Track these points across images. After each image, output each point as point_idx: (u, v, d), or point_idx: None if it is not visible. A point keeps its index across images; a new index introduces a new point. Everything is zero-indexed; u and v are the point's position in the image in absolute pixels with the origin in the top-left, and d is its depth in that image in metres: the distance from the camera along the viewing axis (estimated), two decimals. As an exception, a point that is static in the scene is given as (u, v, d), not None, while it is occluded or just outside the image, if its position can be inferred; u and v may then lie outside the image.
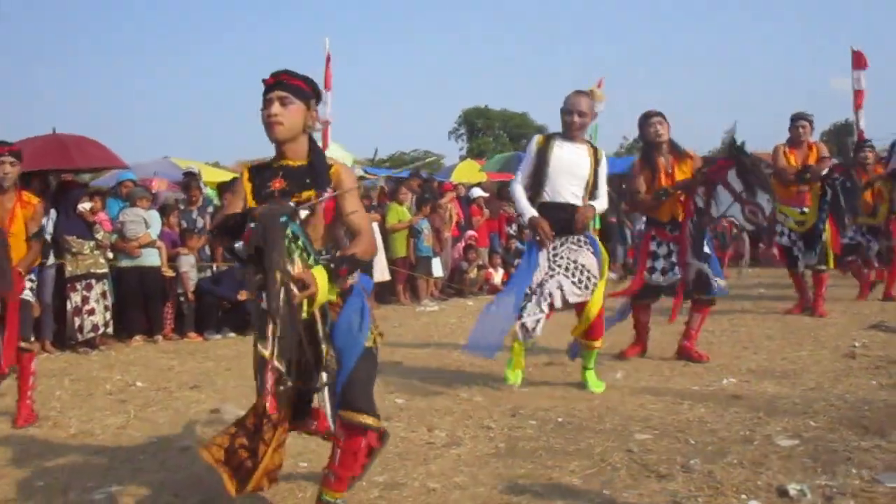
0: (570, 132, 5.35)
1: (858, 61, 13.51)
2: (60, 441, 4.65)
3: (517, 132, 49.88)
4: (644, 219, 6.86)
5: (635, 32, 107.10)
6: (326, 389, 3.06)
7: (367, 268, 3.43)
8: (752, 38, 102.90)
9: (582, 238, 5.34)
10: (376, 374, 3.24)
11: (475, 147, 50.83)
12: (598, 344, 5.44)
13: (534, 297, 5.19)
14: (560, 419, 4.62)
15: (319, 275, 2.83)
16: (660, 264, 6.25)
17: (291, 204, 2.95)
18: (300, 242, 2.88)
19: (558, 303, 5.19)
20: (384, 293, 11.47)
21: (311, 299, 2.83)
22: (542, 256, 5.28)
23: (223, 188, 9.97)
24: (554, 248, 5.28)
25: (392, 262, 11.35)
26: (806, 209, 8.23)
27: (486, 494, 3.46)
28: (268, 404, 2.88)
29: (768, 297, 9.96)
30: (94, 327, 8.04)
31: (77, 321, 7.99)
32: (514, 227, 13.74)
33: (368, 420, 3.05)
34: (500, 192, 13.38)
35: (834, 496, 3.24)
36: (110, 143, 10.31)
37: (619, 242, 13.84)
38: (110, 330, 8.35)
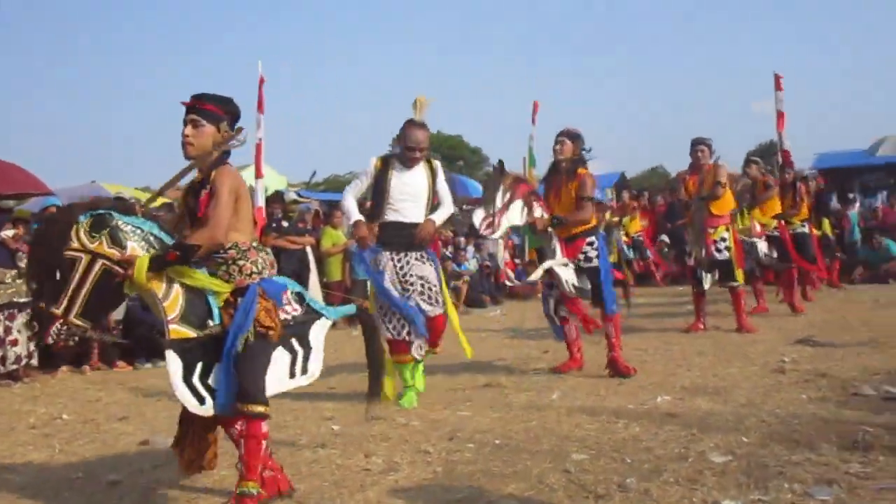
0: (411, 164, 5.61)
1: (778, 84, 13.96)
2: (-20, 479, 4.46)
3: (452, 154, 50.04)
4: None
5: (567, 55, 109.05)
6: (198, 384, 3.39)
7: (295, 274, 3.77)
8: (681, 62, 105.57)
9: (424, 254, 5.63)
10: (267, 364, 3.52)
11: (410, 169, 50.87)
12: (437, 351, 5.89)
13: (404, 321, 5.52)
14: (497, 441, 4.60)
15: (140, 261, 3.27)
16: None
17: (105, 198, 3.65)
18: (146, 234, 3.40)
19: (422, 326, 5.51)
20: (319, 317, 11.34)
21: (130, 280, 3.28)
22: (387, 278, 5.52)
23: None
24: (401, 267, 5.53)
25: (327, 286, 11.24)
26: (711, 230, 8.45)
27: (424, 520, 3.42)
28: (55, 343, 3.35)
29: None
30: (18, 358, 7.76)
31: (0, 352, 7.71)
32: (451, 248, 13.77)
33: (258, 408, 3.40)
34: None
35: (767, 511, 3.28)
36: (35, 168, 9.99)
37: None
38: (35, 361, 8.08)
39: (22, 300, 7.89)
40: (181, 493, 3.96)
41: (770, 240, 9.52)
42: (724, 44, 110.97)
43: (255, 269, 3.54)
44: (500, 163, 6.34)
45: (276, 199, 11.83)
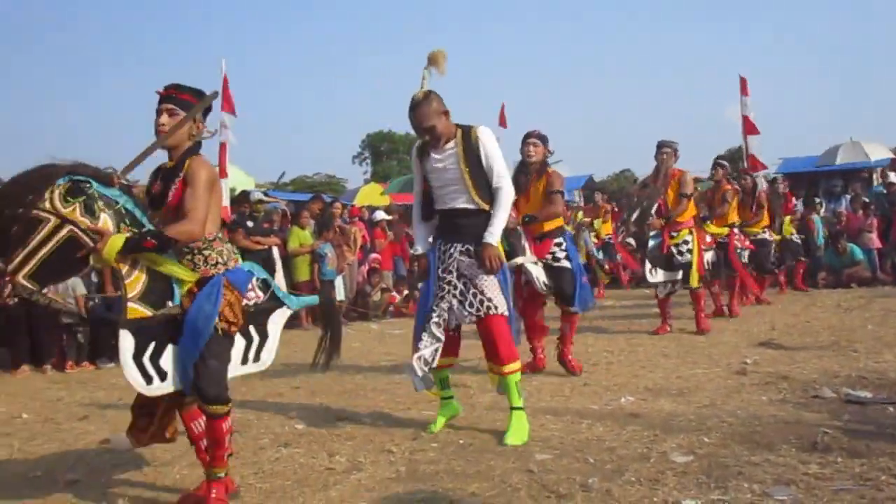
0: (434, 145, 4.70)
1: (744, 88, 14.09)
2: (-65, 478, 4.39)
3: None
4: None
5: (535, 59, 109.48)
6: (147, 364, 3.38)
7: (267, 268, 3.76)
8: (652, 65, 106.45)
9: (470, 246, 4.67)
10: (228, 361, 3.58)
11: (379, 171, 50.92)
12: (506, 369, 4.70)
13: (429, 324, 4.66)
14: (461, 441, 4.60)
15: (114, 239, 3.24)
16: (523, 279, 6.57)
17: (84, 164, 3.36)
18: (119, 206, 3.35)
19: (451, 324, 4.71)
20: (288, 319, 11.29)
21: (98, 254, 3.24)
22: (433, 279, 4.76)
23: None
24: (442, 262, 4.72)
25: (294, 286, 11.19)
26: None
27: (386, 520, 3.41)
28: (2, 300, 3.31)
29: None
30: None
31: (-44, 351, 7.59)
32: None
33: (221, 409, 3.45)
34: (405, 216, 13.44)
35: (727, 510, 3.32)
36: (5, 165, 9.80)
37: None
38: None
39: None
40: (142, 491, 3.94)
41: (718, 246, 9.62)
42: (697, 48, 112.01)
43: (220, 260, 3.56)
44: None
45: (242, 198, 11.76)
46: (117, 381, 7.30)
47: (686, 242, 8.53)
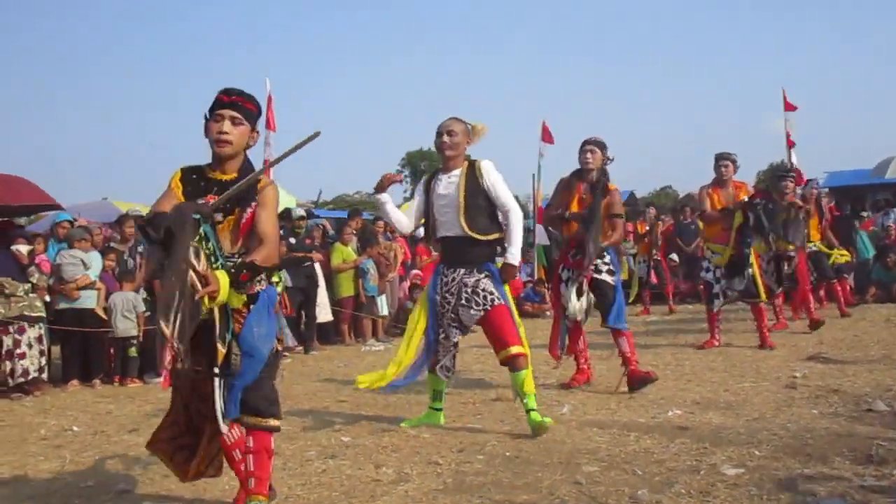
0: (441, 154, 5.27)
1: (786, 103, 14.00)
2: (-9, 488, 4.47)
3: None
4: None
5: (577, 73, 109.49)
6: (218, 395, 3.23)
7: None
8: (693, 82, 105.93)
9: (475, 269, 5.17)
10: (277, 376, 3.51)
11: (419, 189, 50.97)
12: (513, 350, 5.03)
13: (440, 337, 5.23)
14: (508, 453, 4.59)
15: (222, 277, 3.04)
16: (562, 289, 6.53)
17: (207, 204, 3.15)
18: (210, 245, 3.08)
19: (455, 338, 5.24)
20: (328, 334, 11.37)
21: (212, 297, 3.00)
22: (436, 292, 5.27)
23: None
24: (446, 284, 5.22)
25: (337, 302, 11.26)
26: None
27: (435, 530, 3.41)
28: (162, 380, 3.01)
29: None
30: (25, 372, 7.78)
31: (8, 365, 7.72)
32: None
33: (273, 423, 3.35)
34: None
35: (780, 522, 3.27)
36: (45, 184, 9.96)
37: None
38: (45, 376, 8.11)
39: (33, 314, 7.93)
40: (190, 502, 3.96)
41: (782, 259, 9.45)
42: (737, 64, 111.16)
43: (262, 277, 3.39)
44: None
45: (285, 215, 11.87)
46: (165, 396, 7.38)
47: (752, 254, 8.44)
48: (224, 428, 3.26)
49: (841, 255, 11.45)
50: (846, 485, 3.69)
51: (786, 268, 9.28)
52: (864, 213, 14.42)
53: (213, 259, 3.08)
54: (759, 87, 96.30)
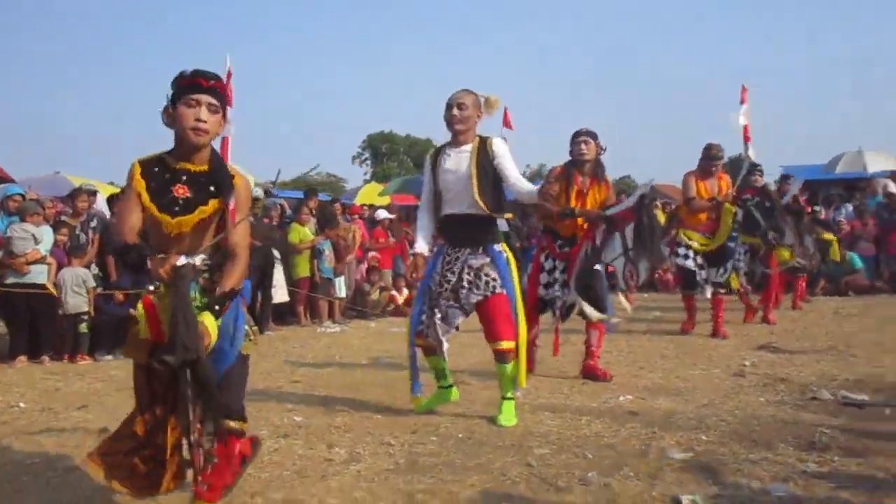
0: (451, 129, 5.02)
1: (743, 96, 14.15)
2: (-66, 463, 4.39)
3: (422, 157, 50.34)
4: (541, 228, 6.71)
5: (546, 63, 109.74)
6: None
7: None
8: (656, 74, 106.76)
9: (481, 250, 4.97)
10: (247, 380, 3.29)
11: (380, 172, 50.90)
12: (503, 345, 4.92)
13: (436, 321, 4.94)
14: (460, 435, 4.62)
15: (209, 322, 2.91)
16: (543, 278, 6.33)
17: (194, 264, 2.98)
18: (194, 294, 2.99)
19: (458, 320, 5.01)
20: (284, 314, 11.30)
21: (207, 347, 2.89)
22: (435, 271, 5.04)
23: (113, 200, 9.71)
24: (448, 263, 4.99)
25: (294, 282, 11.19)
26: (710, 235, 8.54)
27: (385, 509, 3.42)
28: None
29: (664, 319, 10.20)
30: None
31: (-45, 340, 7.59)
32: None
33: (236, 425, 3.09)
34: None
35: (725, 505, 3.34)
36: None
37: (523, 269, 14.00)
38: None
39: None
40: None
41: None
42: (697, 59, 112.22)
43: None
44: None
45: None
46: (116, 374, 7.34)
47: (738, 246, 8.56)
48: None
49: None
50: (790, 470, 3.78)
51: (759, 267, 9.42)
52: (818, 208, 14.61)
53: (198, 303, 2.99)
54: (719, 82, 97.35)
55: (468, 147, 4.99)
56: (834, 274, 13.54)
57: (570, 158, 6.40)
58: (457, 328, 5.06)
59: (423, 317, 5.05)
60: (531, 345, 6.37)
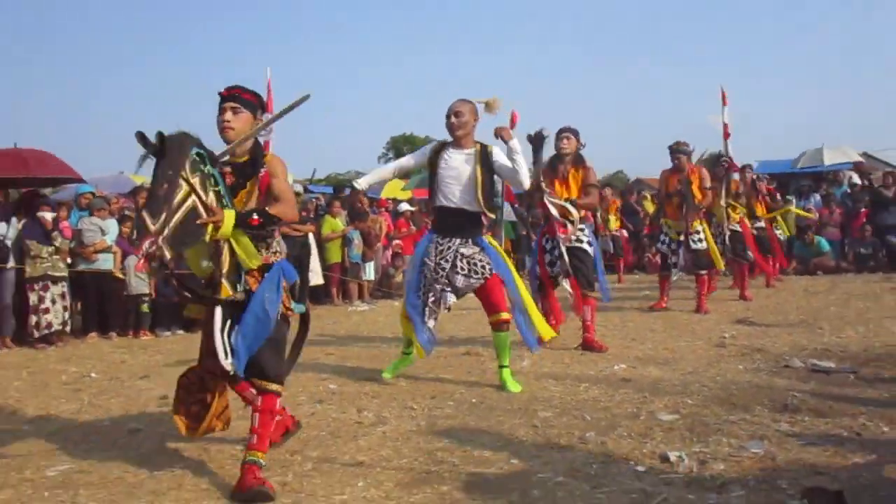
0: (452, 134, 5.02)
1: (723, 98, 14.04)
2: (17, 426, 4.43)
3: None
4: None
5: (546, 70, 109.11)
6: (223, 336, 3.19)
7: (297, 264, 3.55)
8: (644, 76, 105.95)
9: (470, 240, 5.00)
10: (285, 345, 3.45)
11: (402, 170, 50.64)
12: (504, 316, 4.97)
13: (429, 304, 4.93)
14: (474, 400, 4.62)
15: (228, 214, 3.06)
16: (547, 258, 6.39)
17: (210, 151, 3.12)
18: (219, 187, 3.09)
19: (451, 301, 4.96)
20: (319, 295, 11.33)
21: (216, 227, 3.02)
22: (429, 258, 4.99)
23: None
24: (440, 252, 4.96)
25: (327, 267, 11.22)
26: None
27: (409, 465, 3.42)
28: (140, 262, 2.86)
29: (652, 297, 10.10)
30: (49, 325, 7.72)
31: (34, 319, 7.67)
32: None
33: (273, 387, 3.26)
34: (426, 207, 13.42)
35: (707, 461, 3.31)
36: (67, 158, 9.81)
37: (527, 253, 13.97)
38: (67, 328, 8.04)
39: (56, 274, 7.85)
40: (195, 440, 3.94)
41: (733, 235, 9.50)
42: (683, 62, 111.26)
43: (278, 249, 3.42)
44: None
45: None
46: (173, 347, 7.39)
47: (698, 232, 8.47)
48: (226, 364, 3.18)
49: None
50: (765, 430, 3.76)
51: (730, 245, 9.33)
52: (789, 198, 14.49)
53: (222, 201, 3.09)
54: (702, 82, 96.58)
55: (470, 151, 5.00)
56: (804, 256, 13.46)
57: (554, 153, 6.51)
58: (448, 308, 5.01)
59: (418, 299, 4.99)
60: (552, 315, 6.38)
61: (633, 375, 5.19)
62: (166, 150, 2.88)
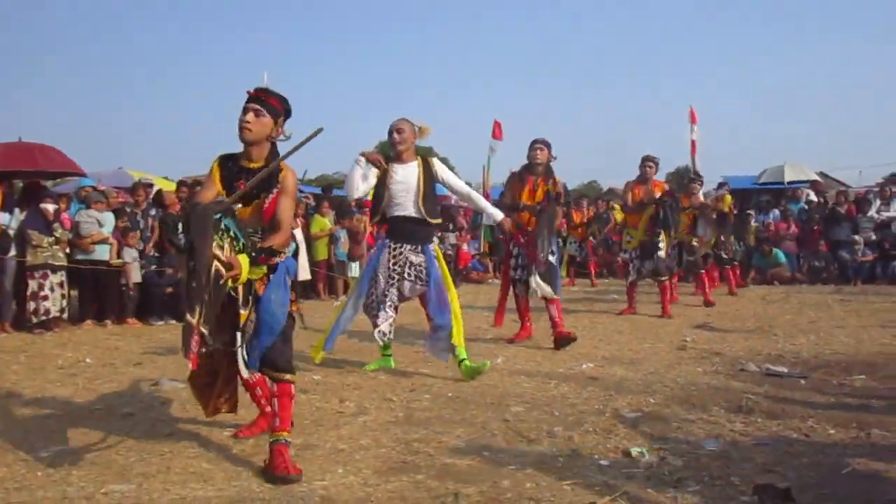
0: (393, 150, 5.23)
1: (692, 117, 14.18)
2: (13, 408, 4.38)
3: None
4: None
5: (521, 78, 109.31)
6: (241, 349, 3.18)
7: (295, 256, 3.51)
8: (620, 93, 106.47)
9: (418, 247, 5.16)
10: (293, 338, 3.40)
11: (388, 173, 50.45)
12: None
13: (384, 305, 5.08)
14: (450, 394, 4.62)
15: (243, 260, 2.98)
16: (513, 262, 6.55)
17: (225, 201, 3.05)
18: (231, 232, 3.01)
19: (399, 300, 5.17)
20: (307, 290, 11.29)
21: (236, 278, 2.96)
22: (382, 264, 5.14)
23: (160, 196, 9.70)
24: (394, 257, 5.12)
25: (314, 264, 11.19)
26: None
27: (387, 454, 3.42)
28: (190, 363, 2.84)
29: (619, 301, 10.17)
30: (47, 311, 7.65)
31: (33, 305, 7.59)
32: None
33: (287, 377, 3.27)
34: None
35: (666, 457, 3.33)
36: (69, 151, 9.69)
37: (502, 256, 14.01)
38: (65, 315, 7.96)
39: (55, 263, 7.78)
40: (184, 426, 3.94)
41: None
42: (653, 80, 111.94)
43: (283, 250, 3.31)
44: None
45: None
46: (165, 336, 7.33)
47: (660, 241, 8.53)
48: (246, 374, 3.27)
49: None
50: (721, 429, 3.79)
51: (686, 255, 9.39)
52: (750, 212, 14.62)
53: (235, 244, 3.00)
54: (672, 99, 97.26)
55: (413, 164, 5.21)
56: (762, 266, 13.59)
57: (526, 162, 6.57)
58: (396, 310, 5.18)
59: (370, 300, 5.18)
60: (526, 316, 6.62)
61: (599, 374, 5.22)
62: (194, 245, 2.79)
